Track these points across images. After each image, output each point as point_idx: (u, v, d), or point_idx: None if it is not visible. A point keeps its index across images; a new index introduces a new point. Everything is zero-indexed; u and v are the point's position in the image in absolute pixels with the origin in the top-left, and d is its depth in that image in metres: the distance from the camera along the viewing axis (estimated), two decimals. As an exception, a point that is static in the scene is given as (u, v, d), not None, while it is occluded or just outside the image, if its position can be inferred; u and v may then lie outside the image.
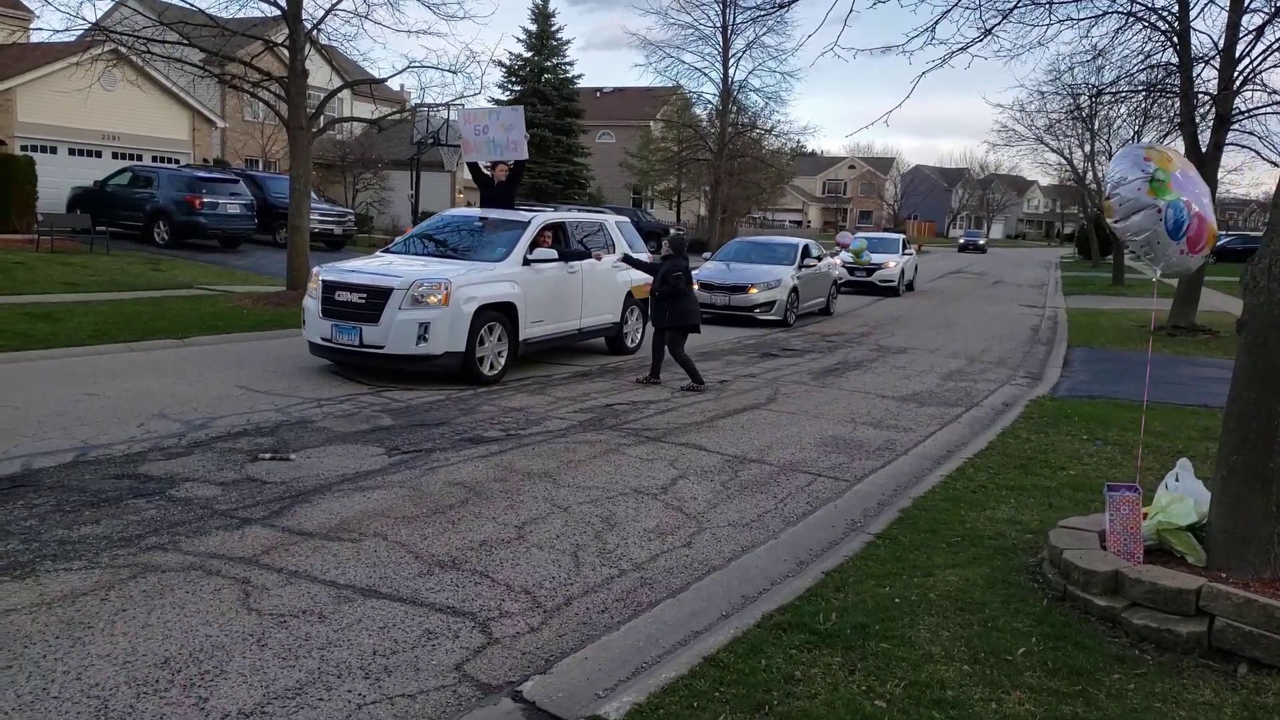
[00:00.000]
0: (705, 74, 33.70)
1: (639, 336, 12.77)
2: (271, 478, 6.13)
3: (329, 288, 9.60)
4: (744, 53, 31.64)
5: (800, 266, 17.52)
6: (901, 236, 27.80)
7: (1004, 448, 7.82)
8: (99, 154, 25.60)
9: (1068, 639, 4.05)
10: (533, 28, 31.34)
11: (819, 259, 18.82)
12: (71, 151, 25.09)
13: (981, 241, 67.29)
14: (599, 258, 11.38)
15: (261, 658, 3.75)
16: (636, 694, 3.46)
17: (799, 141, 48.44)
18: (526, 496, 6.05)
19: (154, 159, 26.52)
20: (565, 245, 11.11)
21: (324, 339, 9.60)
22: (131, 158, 25.89)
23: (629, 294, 12.28)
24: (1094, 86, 19.28)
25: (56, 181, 23.59)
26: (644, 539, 5.43)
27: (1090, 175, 34.27)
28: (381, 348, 9.23)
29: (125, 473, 6.05)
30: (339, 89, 15.17)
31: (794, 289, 16.90)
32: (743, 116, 34.85)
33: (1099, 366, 13.32)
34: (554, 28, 31.52)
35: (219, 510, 5.44)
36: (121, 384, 8.72)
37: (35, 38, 25.66)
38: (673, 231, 15.91)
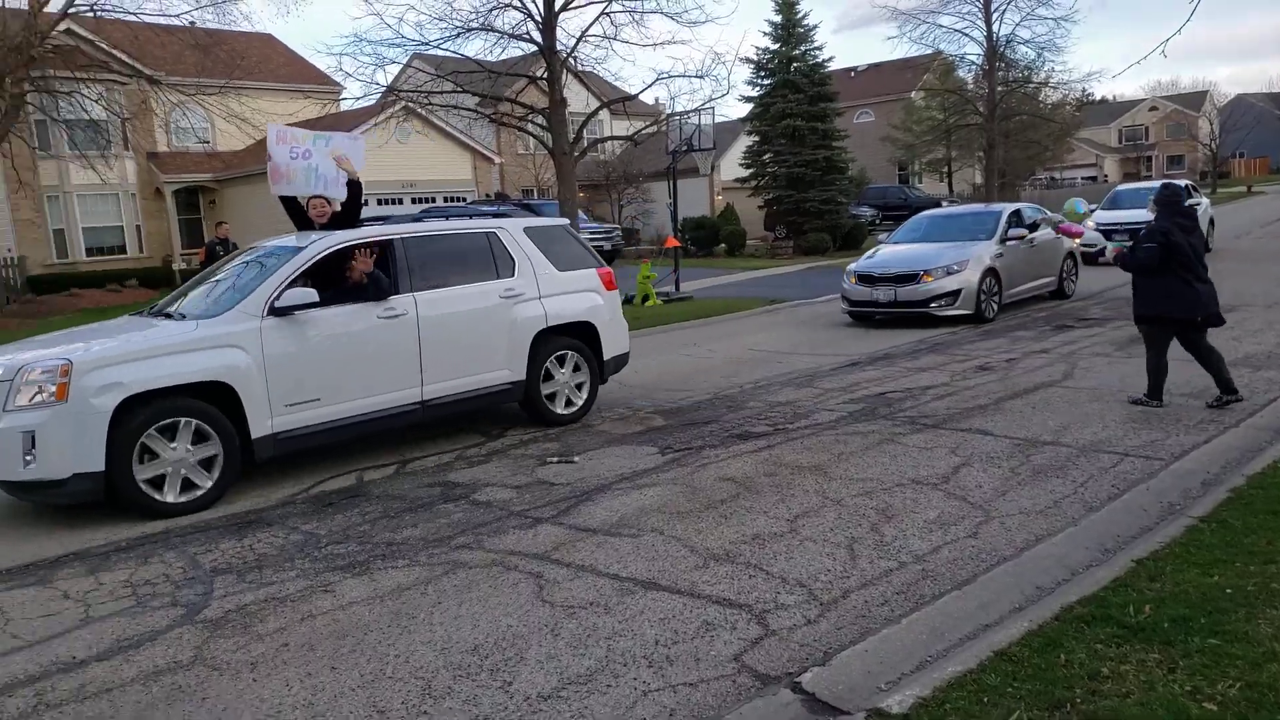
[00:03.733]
0: (965, 34, 31.66)
1: (584, 395, 8.43)
2: (558, 480, 6.56)
3: None
4: (1008, 4, 29.42)
5: (1003, 240, 13.51)
6: (1183, 183, 21.03)
7: (1363, 412, 6.65)
8: (400, 200, 28.74)
9: None
10: (777, 19, 31.09)
11: (1033, 227, 14.46)
12: (379, 201, 28.35)
13: None
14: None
15: (555, 646, 4.02)
16: (920, 687, 3.32)
17: (1084, 90, 44.18)
18: (797, 490, 6.01)
19: (444, 199, 29.32)
20: (377, 277, 7.25)
21: None
22: (426, 200, 28.80)
23: (539, 335, 8.02)
24: None
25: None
26: (924, 530, 5.20)
27: None
28: None
29: (436, 481, 6.73)
30: (595, 111, 16.00)
31: (991, 270, 13.03)
32: (1013, 72, 32.30)
33: None
34: (799, 15, 31.05)
35: (514, 511, 5.91)
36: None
37: (343, 106, 29.37)
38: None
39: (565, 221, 9.32)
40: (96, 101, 20.90)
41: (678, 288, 19.11)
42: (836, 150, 31.13)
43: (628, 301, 17.96)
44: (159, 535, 5.81)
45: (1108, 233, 19.72)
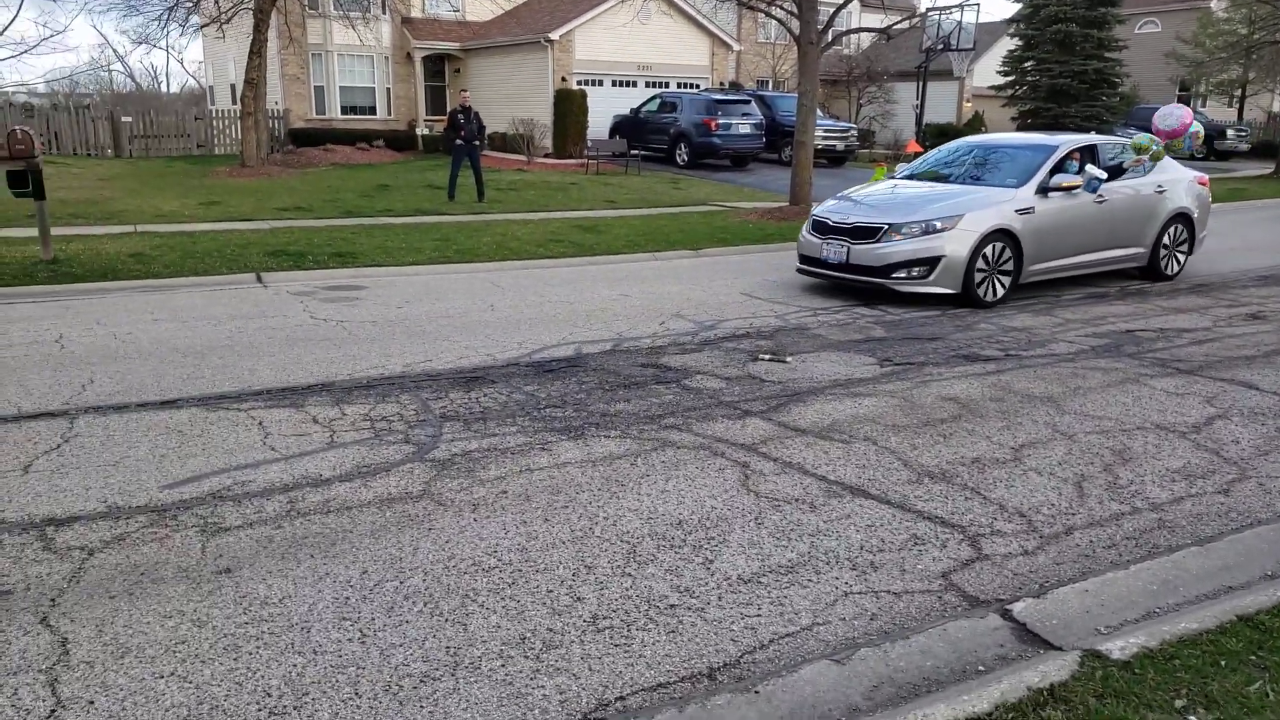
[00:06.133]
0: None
1: None
2: (769, 377, 6.55)
3: None
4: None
5: (1042, 189, 9.36)
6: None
7: None
8: (634, 84, 28.76)
9: None
10: (1064, -93, 28.00)
11: (1114, 173, 10.07)
12: (613, 83, 28.51)
13: None
14: None
15: (758, 534, 4.09)
16: (1146, 637, 3.13)
17: None
18: (1025, 419, 5.69)
19: (678, 85, 29.09)
20: None
21: None
22: (660, 85, 28.67)
23: None
24: None
25: (601, 110, 27.13)
26: (1165, 479, 4.80)
27: None
28: None
29: (649, 362, 6.90)
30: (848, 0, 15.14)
31: (1003, 233, 9.04)
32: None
33: None
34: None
35: (724, 401, 5.98)
36: (647, 287, 9.91)
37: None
38: None
39: None
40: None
41: (910, 197, 18.19)
42: (1110, 62, 28.12)
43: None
44: (395, 378, 6.36)
45: None
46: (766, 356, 7.09)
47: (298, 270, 10.32)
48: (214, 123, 27.44)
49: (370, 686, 2.98)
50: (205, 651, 3.15)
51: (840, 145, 26.27)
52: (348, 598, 3.51)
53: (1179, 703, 2.81)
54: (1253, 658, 3.04)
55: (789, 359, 7.02)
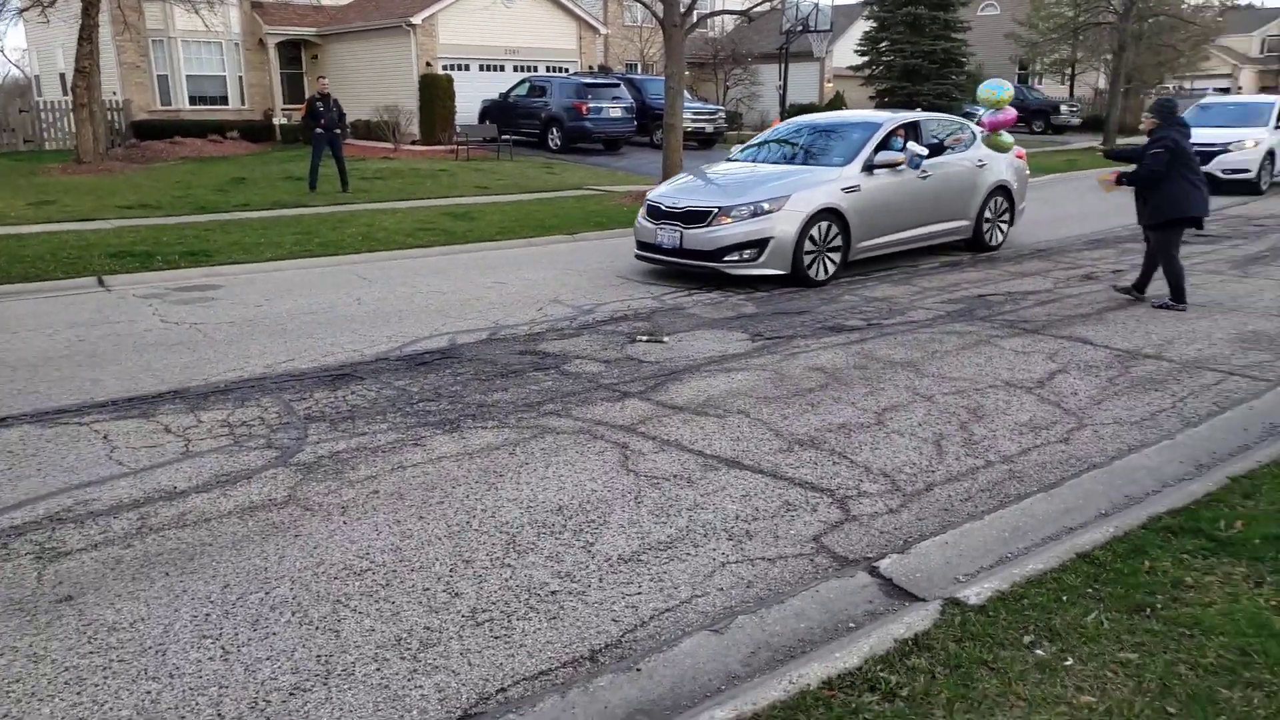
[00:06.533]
0: (1111, -81, 29.10)
1: None
2: (647, 357, 6.62)
3: None
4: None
5: (868, 167, 9.48)
6: (1276, 101, 17.18)
7: None
8: (502, 68, 28.30)
9: None
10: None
11: (936, 150, 10.30)
12: (481, 68, 27.97)
13: None
14: None
15: (638, 513, 4.14)
16: (999, 582, 3.34)
17: (1234, -9, 40.42)
18: (887, 384, 5.95)
19: (547, 69, 28.80)
20: None
21: None
22: (528, 69, 28.30)
23: None
24: None
25: (469, 95, 26.61)
26: (1014, 432, 5.11)
27: None
28: None
29: (527, 349, 6.86)
30: (708, -18, 15.30)
31: (830, 212, 9.08)
32: (1159, -31, 29.81)
33: None
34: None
35: (603, 384, 6.00)
36: (523, 274, 9.83)
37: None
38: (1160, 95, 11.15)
39: None
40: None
41: (776, 175, 18.60)
42: (956, 43, 29.45)
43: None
44: (255, 380, 6.11)
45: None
46: (644, 338, 7.15)
47: (145, 271, 9.76)
48: (43, 116, 25.49)
49: (234, 705, 2.86)
50: (43, 689, 2.94)
51: (709, 127, 26.60)
52: (208, 614, 3.36)
53: (1027, 638, 3.02)
54: (1090, 590, 3.29)
55: (666, 339, 7.10)
